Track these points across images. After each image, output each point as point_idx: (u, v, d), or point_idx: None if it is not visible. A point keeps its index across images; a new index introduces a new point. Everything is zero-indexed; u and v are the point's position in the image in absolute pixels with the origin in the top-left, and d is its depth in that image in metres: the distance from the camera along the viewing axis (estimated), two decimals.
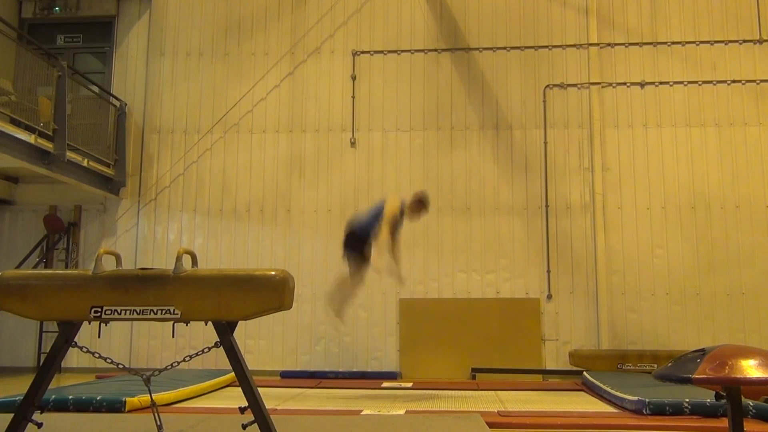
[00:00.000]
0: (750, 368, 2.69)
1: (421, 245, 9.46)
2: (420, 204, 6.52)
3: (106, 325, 3.43)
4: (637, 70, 9.67)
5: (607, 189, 9.43)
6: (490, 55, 9.88)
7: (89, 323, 3.36)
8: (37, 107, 8.24)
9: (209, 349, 3.44)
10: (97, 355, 3.52)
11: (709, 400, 4.92)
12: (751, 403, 4.82)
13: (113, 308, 3.24)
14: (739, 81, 9.53)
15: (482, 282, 9.35)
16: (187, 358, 3.57)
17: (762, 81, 9.48)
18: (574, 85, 9.70)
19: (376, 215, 6.27)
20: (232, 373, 3.72)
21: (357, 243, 6.36)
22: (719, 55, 9.62)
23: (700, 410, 4.95)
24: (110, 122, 9.82)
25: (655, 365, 7.97)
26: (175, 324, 3.43)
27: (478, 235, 9.46)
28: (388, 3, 10.09)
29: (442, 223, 9.51)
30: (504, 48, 9.87)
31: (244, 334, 9.03)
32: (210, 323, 3.30)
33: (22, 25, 10.32)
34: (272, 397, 6.17)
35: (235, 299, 3.21)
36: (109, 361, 3.49)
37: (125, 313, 3.24)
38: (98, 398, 5.27)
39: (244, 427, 3.18)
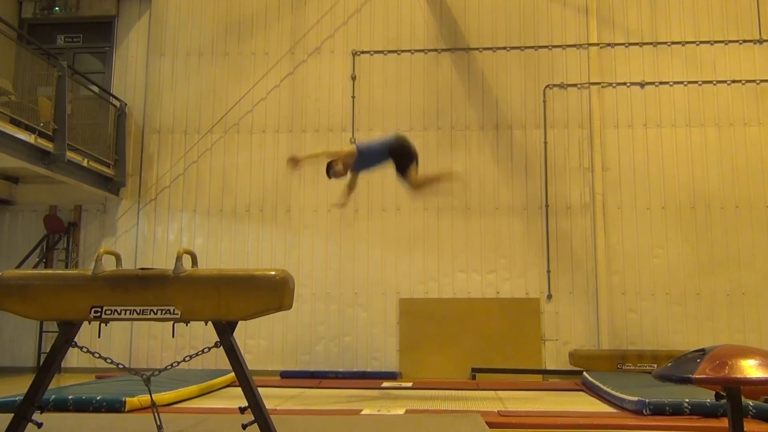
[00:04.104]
0: (750, 368, 2.69)
1: (421, 245, 9.46)
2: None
3: (106, 325, 3.43)
4: (637, 70, 9.67)
5: (607, 189, 9.43)
6: (490, 55, 9.88)
7: (89, 323, 3.36)
8: (37, 107, 8.24)
9: (209, 349, 3.45)
10: (97, 355, 3.53)
11: (709, 400, 4.92)
12: (751, 403, 4.82)
13: (113, 308, 3.24)
14: (739, 81, 9.53)
15: (482, 282, 9.35)
16: (187, 358, 3.57)
17: (762, 81, 9.48)
18: (574, 85, 9.70)
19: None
20: (232, 373, 3.73)
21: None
22: (719, 55, 9.62)
23: (700, 410, 4.95)
24: (110, 122, 9.82)
25: (655, 365, 7.96)
26: (175, 324, 3.43)
27: (477, 235, 9.45)
28: (388, 3, 10.09)
29: (442, 223, 9.51)
30: (504, 48, 9.87)
31: (244, 334, 9.03)
32: (210, 323, 3.30)
33: (22, 25, 10.31)
34: (272, 397, 6.17)
35: (235, 299, 3.22)
36: (109, 361, 3.49)
37: (125, 313, 3.25)
38: (98, 398, 5.27)
39: (244, 427, 3.18)
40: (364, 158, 6.58)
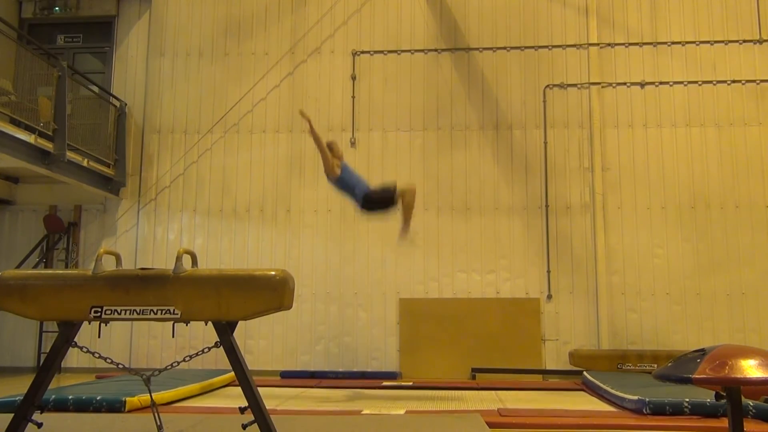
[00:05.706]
0: (750, 368, 2.69)
1: (420, 245, 9.45)
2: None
3: (106, 325, 3.43)
4: (637, 70, 9.67)
5: (607, 189, 9.43)
6: (490, 55, 9.88)
7: (89, 323, 3.36)
8: (37, 107, 8.24)
9: (209, 349, 3.45)
10: (97, 355, 3.53)
11: (709, 400, 4.92)
12: (751, 403, 4.82)
13: (113, 308, 3.24)
14: (739, 81, 9.53)
15: (482, 282, 9.35)
16: (187, 358, 3.57)
17: (762, 81, 9.48)
18: (574, 85, 9.70)
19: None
20: (232, 373, 3.73)
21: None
22: (719, 55, 9.62)
23: (700, 410, 4.95)
24: (110, 122, 9.82)
25: (655, 365, 7.96)
26: (175, 324, 3.43)
27: (477, 235, 9.45)
28: (388, 3, 10.09)
29: (442, 223, 9.51)
30: (504, 48, 9.87)
31: (244, 334, 9.03)
32: (210, 323, 3.30)
33: (22, 25, 10.31)
34: (272, 397, 6.17)
35: (235, 299, 3.22)
36: (109, 361, 3.50)
37: (125, 313, 3.25)
38: (98, 398, 5.27)
39: (244, 427, 3.19)
40: (344, 176, 6.78)
